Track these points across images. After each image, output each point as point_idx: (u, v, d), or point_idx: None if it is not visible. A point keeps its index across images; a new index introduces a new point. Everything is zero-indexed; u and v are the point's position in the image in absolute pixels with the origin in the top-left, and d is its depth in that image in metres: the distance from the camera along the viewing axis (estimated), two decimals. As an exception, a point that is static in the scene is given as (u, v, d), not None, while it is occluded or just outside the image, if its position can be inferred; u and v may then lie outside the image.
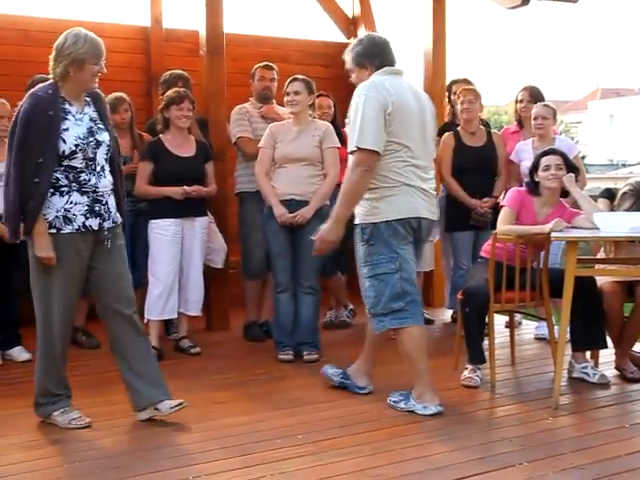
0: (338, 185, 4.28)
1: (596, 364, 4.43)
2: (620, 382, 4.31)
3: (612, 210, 4.32)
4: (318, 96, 5.68)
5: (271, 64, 5.56)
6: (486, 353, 4.28)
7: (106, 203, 3.54)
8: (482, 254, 4.51)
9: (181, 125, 4.90)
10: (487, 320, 4.28)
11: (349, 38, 7.24)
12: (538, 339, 5.33)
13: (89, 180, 3.47)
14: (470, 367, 4.27)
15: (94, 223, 3.49)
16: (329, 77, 7.04)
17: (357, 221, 3.83)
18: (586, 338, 4.27)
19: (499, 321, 5.36)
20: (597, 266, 4.50)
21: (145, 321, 4.83)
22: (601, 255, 4.55)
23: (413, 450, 3.29)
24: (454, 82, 5.97)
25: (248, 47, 6.69)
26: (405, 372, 3.90)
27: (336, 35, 7.34)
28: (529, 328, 5.62)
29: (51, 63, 3.44)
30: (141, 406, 3.65)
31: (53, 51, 3.44)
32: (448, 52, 6.36)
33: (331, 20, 7.27)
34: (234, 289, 5.68)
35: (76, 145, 3.41)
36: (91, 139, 3.47)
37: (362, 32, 7.04)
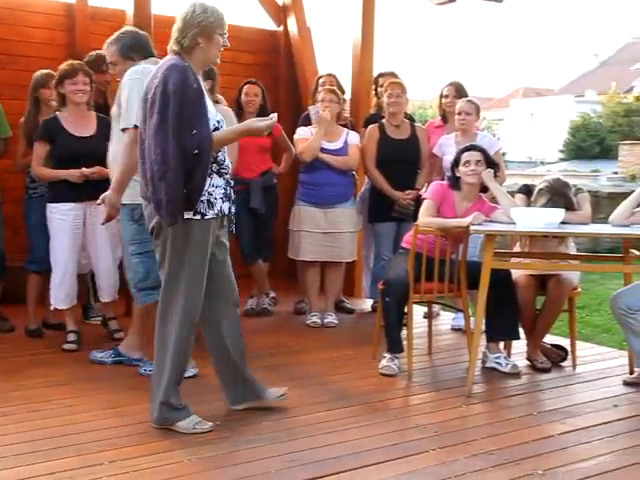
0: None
1: (509, 354, 4.58)
2: (530, 372, 4.48)
3: (529, 206, 4.45)
4: (246, 83, 5.68)
5: None
6: (405, 342, 4.38)
7: (233, 186, 3.44)
8: (403, 245, 4.61)
9: (77, 100, 4.63)
10: (406, 310, 4.37)
11: (279, 26, 7.25)
12: (455, 330, 5.47)
13: (224, 160, 3.35)
14: (388, 356, 4.35)
15: (226, 207, 3.37)
16: (257, 64, 7.06)
17: (126, 201, 3.91)
18: (500, 329, 4.42)
19: (418, 311, 5.47)
20: (513, 260, 4.65)
21: (52, 308, 4.75)
22: (517, 249, 4.70)
23: (331, 436, 3.35)
24: (381, 75, 6.04)
25: (177, 30, 6.60)
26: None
27: (266, 22, 7.32)
28: (447, 319, 5.76)
29: (175, 35, 3.27)
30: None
31: (179, 22, 3.26)
32: (376, 45, 6.42)
33: (261, 7, 7.25)
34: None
35: (217, 121, 3.31)
36: (218, 118, 3.35)
37: (292, 20, 7.08)
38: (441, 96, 5.71)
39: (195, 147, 3.14)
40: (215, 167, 3.30)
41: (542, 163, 32.96)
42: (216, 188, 3.31)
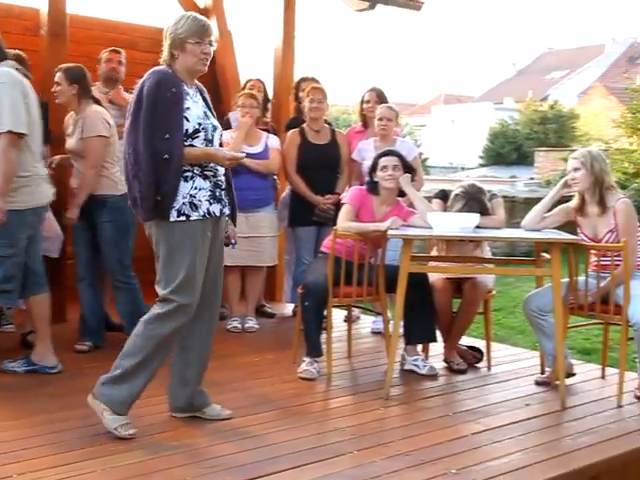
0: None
1: (426, 357, 4.66)
2: (447, 374, 4.57)
3: (445, 210, 4.55)
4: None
5: (119, 49, 5.43)
6: (324, 346, 4.41)
7: (225, 189, 3.48)
8: (322, 249, 4.64)
9: None
10: (326, 314, 4.40)
11: (199, 29, 7.20)
12: (374, 333, 5.53)
13: (209, 163, 3.38)
14: (308, 360, 4.38)
15: (216, 209, 3.42)
16: (177, 67, 6.97)
17: None
18: (417, 332, 4.50)
19: (338, 315, 5.52)
20: (430, 263, 4.74)
21: None
22: (435, 253, 4.79)
23: (251, 440, 3.34)
24: (303, 80, 6.07)
25: (93, 30, 6.46)
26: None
27: (186, 25, 7.25)
28: (367, 322, 5.82)
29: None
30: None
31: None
32: (297, 50, 6.46)
33: (182, 9, 7.18)
34: (73, 280, 5.50)
35: (199, 124, 3.34)
36: (208, 121, 3.40)
37: (213, 24, 7.01)
38: (362, 101, 5.77)
39: (165, 152, 3.22)
40: (198, 170, 3.36)
41: (462, 168, 33.68)
42: (199, 190, 3.36)
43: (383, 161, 4.47)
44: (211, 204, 3.39)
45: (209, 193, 3.39)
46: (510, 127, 32.98)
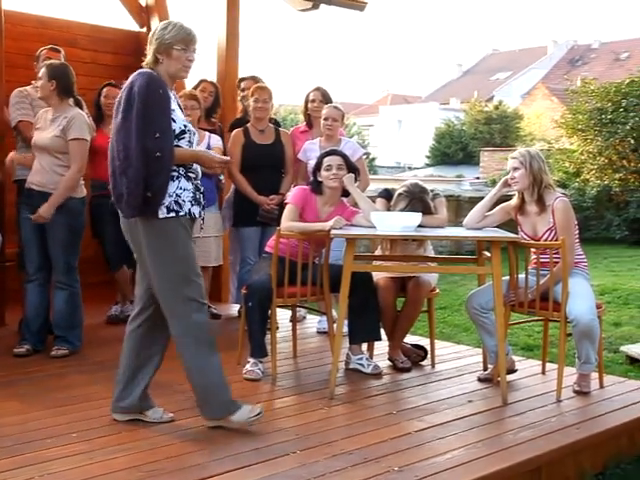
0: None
1: (371, 355, 4.69)
2: (392, 372, 4.60)
3: (389, 210, 4.58)
4: (106, 85, 5.54)
5: (58, 47, 5.32)
6: (269, 347, 4.40)
7: (202, 192, 3.51)
8: (266, 249, 4.63)
9: None
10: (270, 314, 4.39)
11: (142, 27, 7.12)
12: (320, 333, 5.53)
13: (192, 165, 3.44)
14: (252, 360, 4.36)
15: (196, 211, 3.45)
16: (119, 65, 6.87)
17: None
18: (362, 331, 4.52)
19: (284, 315, 5.52)
20: (374, 262, 4.77)
21: None
22: (378, 252, 4.82)
23: (193, 443, 3.32)
24: (242, 79, 6.06)
25: (31, 27, 6.35)
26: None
27: (128, 23, 7.18)
28: (313, 322, 5.82)
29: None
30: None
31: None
32: (242, 49, 6.44)
33: (123, 7, 7.09)
34: (12, 283, 5.38)
35: (184, 126, 3.41)
36: (188, 124, 3.47)
37: (155, 21, 6.96)
38: (307, 101, 5.77)
39: (157, 150, 3.25)
40: (182, 170, 3.40)
41: (410, 168, 33.97)
42: (184, 191, 3.39)
43: (327, 160, 4.48)
44: (192, 205, 3.43)
45: (191, 194, 3.42)
46: (456, 127, 33.40)
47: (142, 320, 3.56)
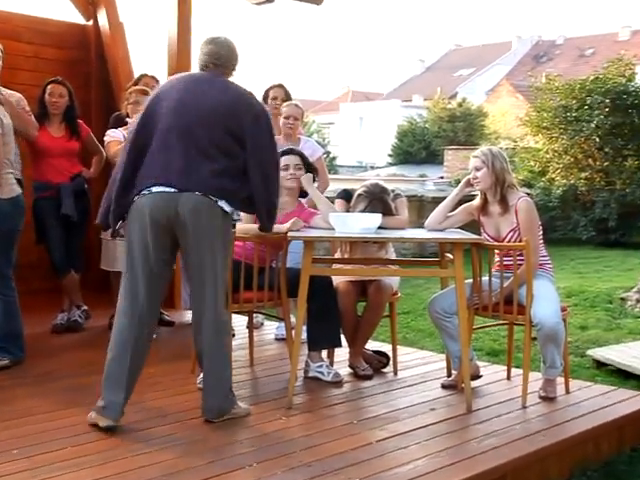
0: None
1: (331, 363, 4.69)
2: (353, 380, 4.61)
3: (348, 211, 4.59)
4: (50, 82, 5.46)
5: None
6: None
7: None
8: (221, 253, 4.60)
9: None
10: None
11: (88, 20, 7.04)
12: (279, 339, 5.52)
13: None
14: (207, 369, 4.32)
15: None
16: (65, 60, 6.81)
17: None
18: (321, 338, 4.52)
19: (241, 322, 5.50)
20: (334, 266, 4.77)
21: None
22: (338, 255, 4.83)
23: (145, 457, 3.29)
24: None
25: (-34, 19, 6.24)
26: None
27: (73, 15, 7.09)
28: (271, 328, 5.81)
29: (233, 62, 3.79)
30: None
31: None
32: (194, 44, 6.39)
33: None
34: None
35: None
36: None
37: (103, 15, 6.89)
38: (266, 98, 5.76)
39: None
40: None
41: (372, 167, 34.13)
42: None
43: (284, 160, 4.48)
44: None
45: None
46: (419, 125, 33.67)
47: None
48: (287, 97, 5.69)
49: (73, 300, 5.67)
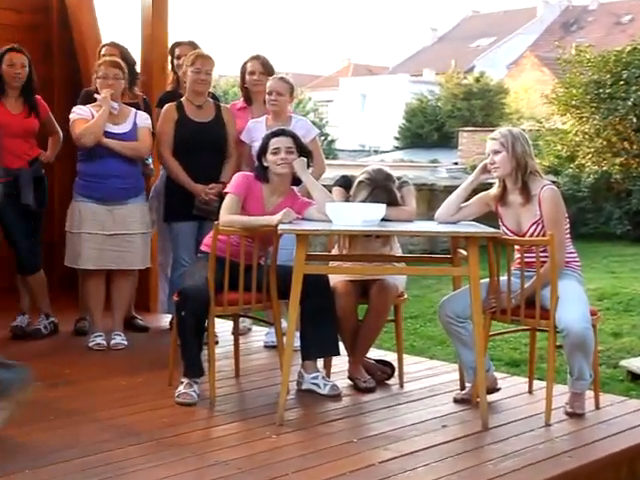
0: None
1: (328, 374, 4.71)
2: (353, 393, 4.63)
3: (347, 200, 4.61)
4: (9, 50, 5.47)
5: None
6: (206, 365, 4.40)
7: None
8: (202, 248, 4.63)
9: None
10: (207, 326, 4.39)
11: (49, -18, 7.04)
12: (268, 347, 5.54)
13: None
14: (186, 381, 4.35)
15: None
16: (23, 25, 6.78)
17: None
18: (317, 345, 4.53)
19: (226, 327, 5.52)
20: (330, 263, 4.79)
21: None
22: (335, 251, 4.85)
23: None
24: (177, 44, 6.04)
25: None
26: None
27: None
28: (259, 335, 5.84)
29: None
30: None
31: None
32: (171, 10, 6.42)
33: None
34: None
35: None
36: None
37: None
38: (244, 72, 5.78)
39: None
40: None
41: (376, 152, 34.18)
42: None
43: (274, 142, 4.49)
44: None
45: None
46: (430, 103, 33.69)
47: None
48: (266, 70, 5.71)
49: (40, 306, 5.68)
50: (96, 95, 5.41)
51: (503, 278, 4.30)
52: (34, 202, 5.45)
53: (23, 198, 5.38)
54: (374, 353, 5.06)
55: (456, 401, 4.49)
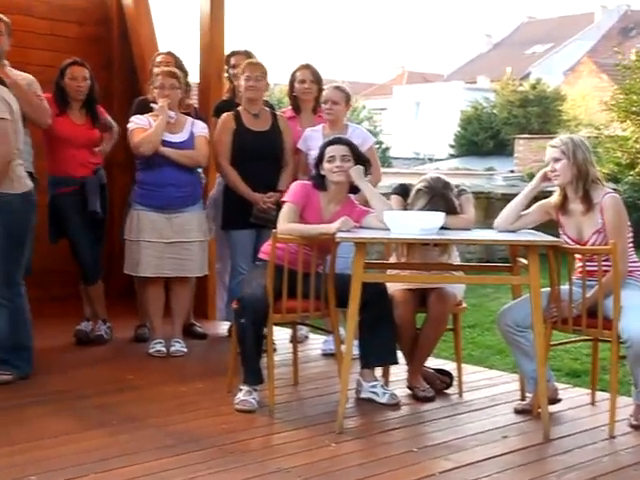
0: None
1: (386, 382, 4.71)
2: (411, 402, 4.62)
3: (405, 209, 4.61)
4: (71, 64, 5.57)
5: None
6: (265, 372, 4.42)
7: None
8: (261, 256, 4.66)
9: None
10: (266, 333, 4.42)
11: (109, -8, 7.17)
12: (326, 355, 5.56)
13: None
14: (245, 388, 4.38)
15: None
16: (84, 37, 6.91)
17: None
18: (375, 354, 4.54)
19: (283, 335, 5.55)
20: (388, 272, 4.79)
21: None
22: (393, 259, 4.85)
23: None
24: (233, 54, 6.10)
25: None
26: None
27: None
28: (317, 343, 5.86)
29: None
30: None
31: None
32: (228, 18, 6.48)
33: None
34: None
35: None
36: None
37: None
38: (293, 81, 5.81)
39: None
40: None
41: (431, 160, 34.01)
42: None
43: (330, 151, 4.52)
44: None
45: None
46: (485, 111, 33.43)
47: None
48: (316, 78, 5.74)
49: (97, 312, 5.78)
50: (153, 105, 5.49)
51: (564, 287, 4.26)
52: (101, 210, 5.55)
53: (90, 205, 5.48)
54: (432, 362, 5.04)
55: (517, 411, 4.45)
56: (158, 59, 5.93)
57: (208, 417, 4.25)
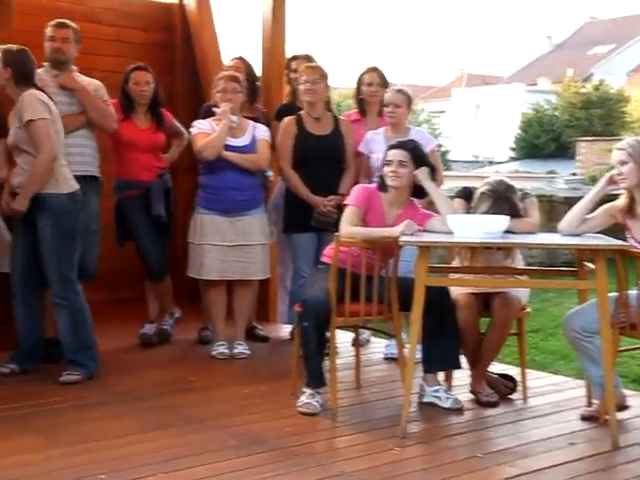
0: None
1: (449, 387, 4.69)
2: (475, 407, 4.59)
3: (469, 212, 4.59)
4: (135, 69, 5.65)
5: (66, 22, 5.33)
6: (328, 375, 4.44)
7: None
8: (323, 259, 4.67)
9: None
10: (329, 337, 4.43)
11: (172, -2, 7.26)
12: (388, 359, 5.54)
13: None
14: (308, 391, 4.40)
15: None
16: (149, 43, 7.01)
17: None
18: (438, 358, 4.53)
19: (345, 338, 5.56)
20: (451, 275, 4.77)
21: None
22: (456, 263, 4.82)
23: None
24: (294, 58, 6.13)
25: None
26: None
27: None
28: (379, 346, 5.84)
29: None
30: None
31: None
32: (289, 23, 6.51)
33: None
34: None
35: None
36: None
37: (191, -8, 7.09)
38: (360, 84, 5.82)
39: None
40: None
41: (490, 163, 33.77)
42: None
43: (389, 155, 4.53)
44: None
45: None
46: (546, 113, 33.08)
47: None
48: (383, 82, 5.74)
49: (165, 307, 5.88)
50: (215, 109, 5.55)
51: (633, 292, 4.19)
52: (165, 214, 5.63)
53: (154, 209, 5.56)
54: (496, 367, 5.00)
55: (583, 418, 4.39)
56: (229, 64, 5.99)
57: (271, 419, 4.27)
